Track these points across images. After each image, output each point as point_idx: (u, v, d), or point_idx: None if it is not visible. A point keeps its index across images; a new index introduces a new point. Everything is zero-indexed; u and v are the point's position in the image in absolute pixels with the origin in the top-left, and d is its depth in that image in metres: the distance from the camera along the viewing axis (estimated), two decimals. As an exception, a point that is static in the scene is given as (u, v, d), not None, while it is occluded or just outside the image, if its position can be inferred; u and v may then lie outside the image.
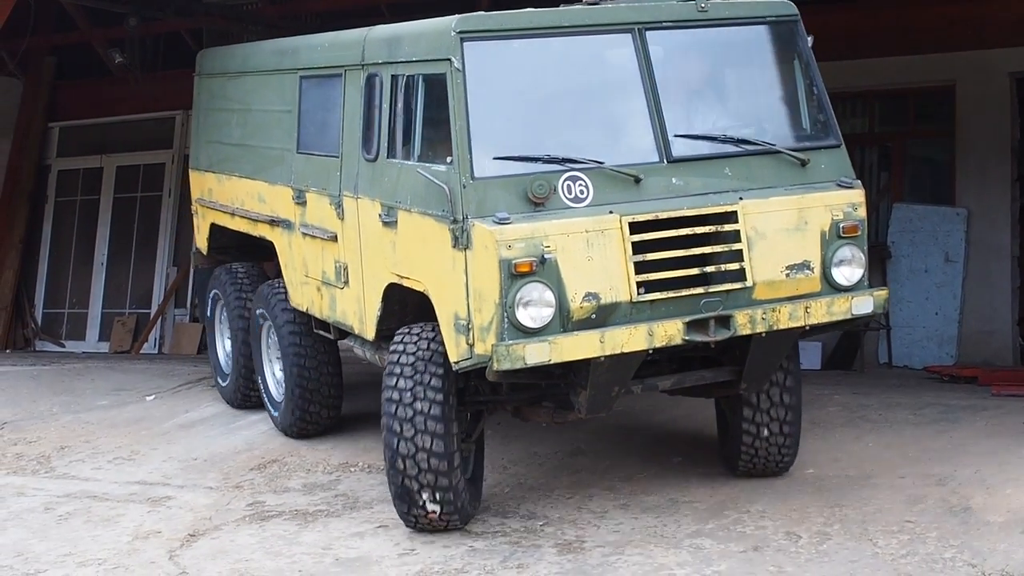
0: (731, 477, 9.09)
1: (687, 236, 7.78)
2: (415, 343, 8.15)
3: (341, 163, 9.21)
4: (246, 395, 11.75)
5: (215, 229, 12.20)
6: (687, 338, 7.73)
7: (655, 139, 7.99)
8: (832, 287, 8.13)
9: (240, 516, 9.07)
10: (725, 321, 7.82)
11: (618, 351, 7.58)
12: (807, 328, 8.15)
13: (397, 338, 8.29)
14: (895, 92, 15.46)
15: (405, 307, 8.68)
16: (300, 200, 9.93)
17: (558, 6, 8.23)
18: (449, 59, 7.75)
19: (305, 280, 10.08)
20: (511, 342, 7.42)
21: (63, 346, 19.69)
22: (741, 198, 7.94)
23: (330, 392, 10.60)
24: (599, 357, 7.56)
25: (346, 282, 9.30)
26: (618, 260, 7.62)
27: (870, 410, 10.99)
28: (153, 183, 19.61)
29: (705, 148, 8.12)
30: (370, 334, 9.06)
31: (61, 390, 13.84)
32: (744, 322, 7.84)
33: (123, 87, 19.46)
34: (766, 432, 8.83)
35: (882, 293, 8.27)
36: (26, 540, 8.85)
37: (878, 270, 14.62)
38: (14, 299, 19.94)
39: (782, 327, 7.95)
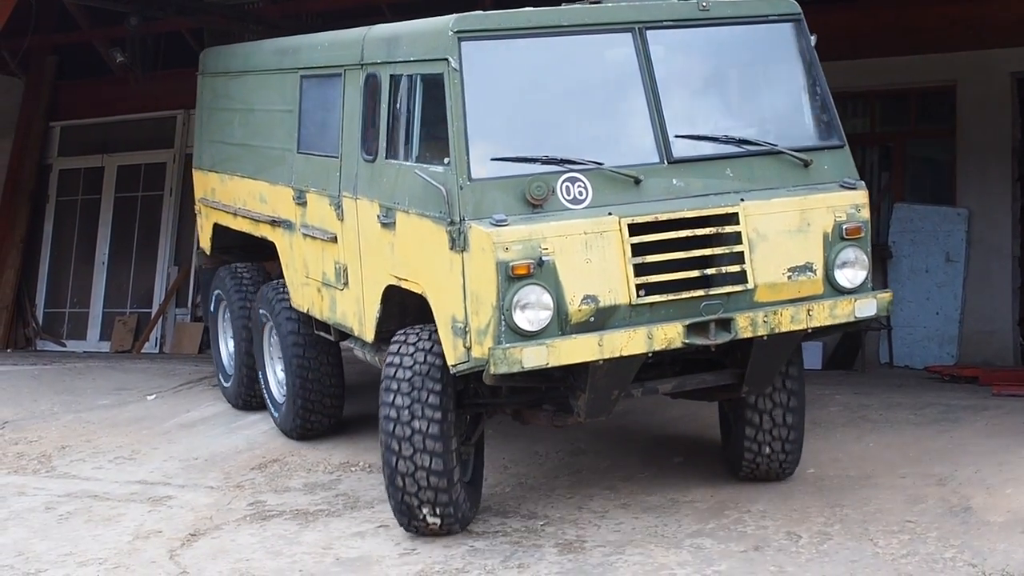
0: (732, 477, 9.09)
1: (687, 238, 7.71)
2: (411, 355, 8.05)
3: (341, 163, 9.18)
4: (249, 396, 11.73)
5: (218, 229, 12.18)
6: (687, 341, 7.64)
7: (655, 140, 7.90)
8: (835, 289, 8.04)
9: (241, 516, 9.07)
10: (726, 324, 7.73)
11: (617, 355, 7.50)
12: (809, 331, 8.07)
13: (393, 347, 8.18)
14: (896, 92, 15.47)
15: (405, 309, 8.62)
16: (300, 200, 9.91)
17: (560, 5, 8.16)
18: (446, 59, 7.68)
19: (306, 281, 10.05)
20: (508, 345, 7.35)
21: (64, 345, 19.70)
22: (742, 199, 7.86)
23: (331, 394, 10.57)
24: (597, 361, 7.50)
25: (346, 283, 9.26)
26: (617, 262, 7.55)
27: (871, 410, 10.98)
28: (154, 183, 19.62)
29: (706, 149, 8.03)
30: (369, 336, 9.01)
31: (62, 389, 13.85)
32: (745, 325, 7.75)
33: (124, 86, 19.46)
34: (768, 436, 8.75)
35: (886, 296, 8.17)
36: (27, 539, 8.85)
37: (879, 270, 14.62)
38: (15, 298, 19.95)
39: (784, 330, 7.86)
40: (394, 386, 8.01)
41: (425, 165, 7.95)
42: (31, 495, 9.87)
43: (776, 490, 8.87)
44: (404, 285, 8.35)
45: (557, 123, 7.99)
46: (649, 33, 8.05)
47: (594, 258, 7.50)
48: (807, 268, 7.97)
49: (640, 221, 7.61)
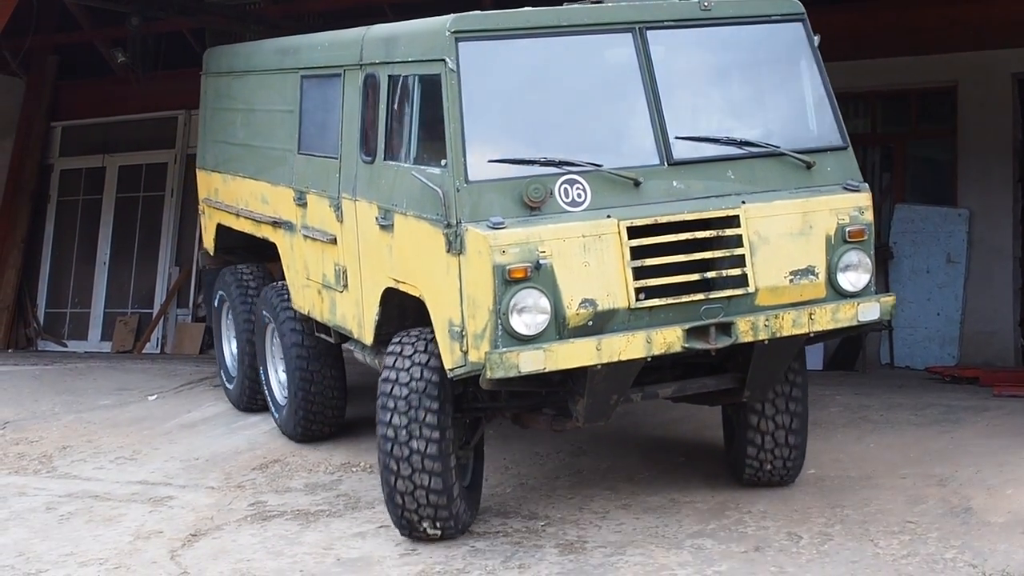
0: (732, 477, 9.08)
1: (687, 241, 7.63)
2: (407, 370, 7.93)
3: (340, 164, 9.13)
4: (252, 397, 11.68)
5: (221, 229, 12.15)
6: (687, 345, 7.56)
7: (655, 141, 7.82)
8: (838, 293, 7.94)
9: (242, 516, 9.07)
10: (726, 328, 7.64)
11: (615, 359, 7.42)
12: (811, 335, 7.99)
13: (388, 359, 8.06)
14: (897, 93, 15.48)
15: (404, 311, 8.55)
16: (301, 202, 9.87)
17: (562, 5, 8.09)
18: (443, 60, 7.61)
19: (306, 283, 10.01)
20: (505, 350, 7.27)
21: (65, 346, 19.71)
22: (744, 202, 7.78)
23: (333, 396, 10.51)
24: (596, 365, 7.42)
25: (345, 286, 9.20)
26: (616, 266, 7.47)
27: (872, 411, 10.99)
28: (155, 183, 19.63)
29: (707, 150, 7.94)
30: (368, 339, 8.95)
31: (63, 390, 13.85)
32: (746, 329, 7.66)
33: (125, 87, 19.48)
34: (771, 441, 8.65)
35: (889, 299, 8.05)
36: (28, 540, 8.86)
37: (880, 271, 14.63)
38: (16, 299, 19.96)
39: (785, 334, 7.76)
40: (391, 404, 7.92)
41: (422, 167, 7.87)
42: (32, 495, 9.87)
43: (777, 491, 8.87)
44: (402, 288, 8.29)
45: (556, 124, 7.89)
46: (649, 33, 7.96)
47: (592, 261, 7.43)
48: (809, 271, 7.87)
49: (639, 224, 7.54)
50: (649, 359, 7.55)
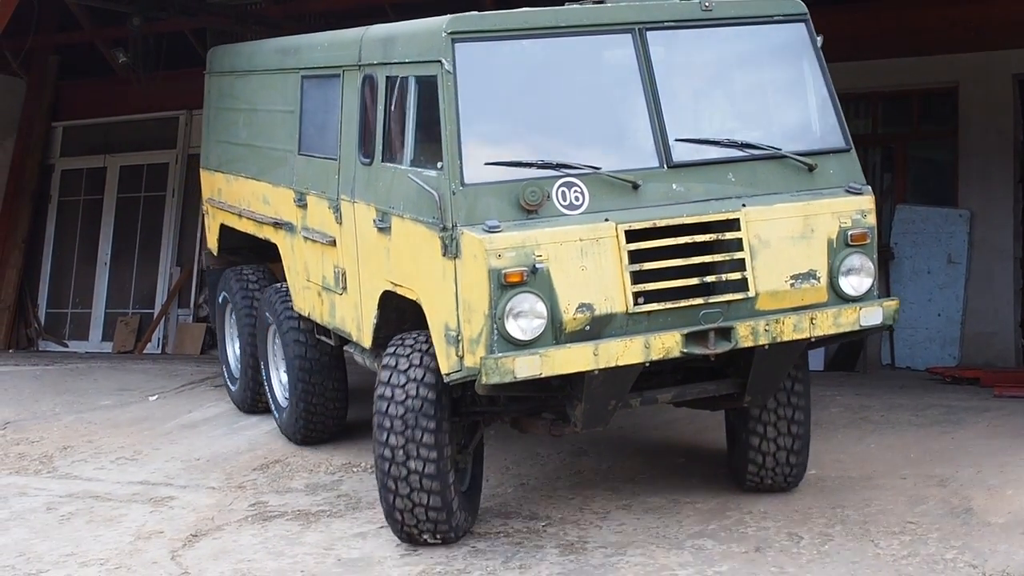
0: (733, 480, 9.08)
1: (687, 244, 7.55)
2: (403, 386, 7.82)
3: (339, 166, 9.07)
4: (255, 399, 11.62)
5: (224, 230, 12.11)
6: (686, 350, 7.46)
7: (655, 144, 7.73)
8: (839, 297, 7.85)
9: (242, 516, 9.07)
10: (726, 333, 7.54)
11: (613, 364, 7.32)
12: (812, 340, 7.90)
13: (383, 373, 7.95)
14: (898, 93, 15.49)
15: (403, 315, 8.45)
16: (301, 203, 9.82)
17: (563, 4, 8.01)
18: (440, 61, 7.53)
19: (307, 284, 9.97)
20: (500, 355, 7.17)
21: (66, 346, 19.71)
22: (744, 205, 7.68)
23: (334, 399, 10.45)
24: (593, 370, 7.32)
25: (344, 288, 9.13)
26: (614, 270, 7.39)
27: (872, 411, 10.99)
28: (157, 183, 19.64)
29: (708, 153, 7.84)
30: (367, 342, 8.88)
31: (64, 390, 13.86)
32: (746, 334, 7.55)
33: (126, 87, 19.47)
34: (772, 449, 8.55)
35: (892, 304, 7.95)
36: (28, 540, 8.86)
37: (881, 271, 14.60)
38: (17, 299, 19.97)
39: (786, 339, 7.67)
40: (386, 423, 7.84)
41: (419, 169, 7.81)
42: (32, 495, 9.87)
43: (777, 492, 8.85)
44: (399, 291, 8.22)
45: (554, 127, 7.81)
46: (649, 34, 7.87)
47: (590, 265, 7.34)
48: (810, 275, 7.77)
49: (638, 227, 7.45)
50: (647, 364, 7.48)
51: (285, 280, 10.59)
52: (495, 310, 7.20)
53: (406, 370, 7.88)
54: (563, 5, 8.03)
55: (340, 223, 9.07)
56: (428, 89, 7.76)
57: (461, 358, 7.43)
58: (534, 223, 7.35)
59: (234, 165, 11.67)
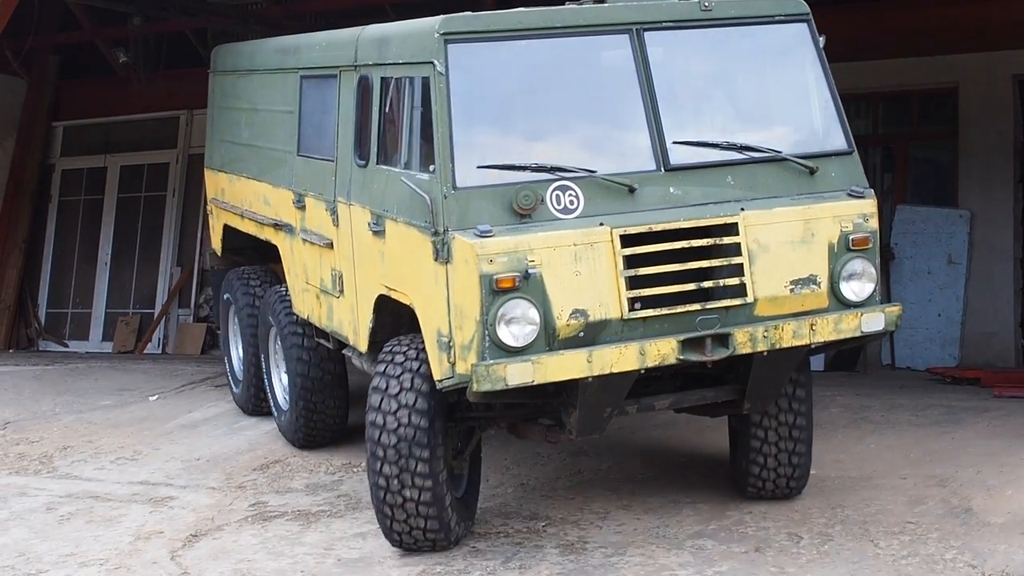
0: (734, 483, 9.07)
1: (684, 249, 7.41)
2: (394, 413, 7.68)
3: (336, 167, 8.98)
4: (258, 401, 11.57)
5: (228, 230, 12.05)
6: (682, 357, 7.33)
7: (652, 146, 7.59)
8: (840, 303, 7.71)
9: (242, 516, 9.07)
10: (723, 339, 7.41)
11: (607, 371, 7.20)
12: (812, 346, 7.78)
13: (374, 397, 7.79)
14: (898, 94, 15.48)
15: (400, 318, 8.28)
16: (300, 204, 9.75)
17: (563, 4, 7.90)
18: (432, 62, 7.41)
19: (306, 287, 9.90)
20: (492, 362, 7.05)
21: (66, 346, 19.71)
22: (743, 209, 7.55)
23: (335, 404, 10.37)
24: (587, 378, 7.21)
25: (341, 291, 9.04)
26: (608, 275, 7.25)
27: (872, 411, 10.99)
28: (157, 183, 19.63)
29: (706, 156, 7.70)
30: (363, 346, 8.78)
31: (64, 390, 13.86)
32: (744, 340, 7.43)
33: (127, 87, 19.48)
34: (774, 452, 8.44)
35: (894, 310, 7.84)
36: (28, 540, 8.86)
37: (881, 272, 14.59)
38: (17, 299, 19.97)
39: (785, 345, 7.54)
40: (379, 452, 7.73)
41: (412, 172, 7.71)
42: (32, 495, 9.88)
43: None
44: (394, 296, 8.11)
45: (548, 129, 7.70)
46: (647, 35, 7.73)
47: (584, 270, 7.21)
48: (811, 280, 7.64)
49: (633, 232, 7.32)
50: (643, 371, 7.37)
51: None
52: (487, 316, 7.09)
53: (397, 394, 7.74)
54: (563, 4, 7.92)
55: (337, 225, 9.00)
56: (421, 91, 7.66)
57: (453, 365, 7.32)
58: (527, 227, 7.23)
59: (237, 165, 11.64)
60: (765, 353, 7.57)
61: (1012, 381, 12.34)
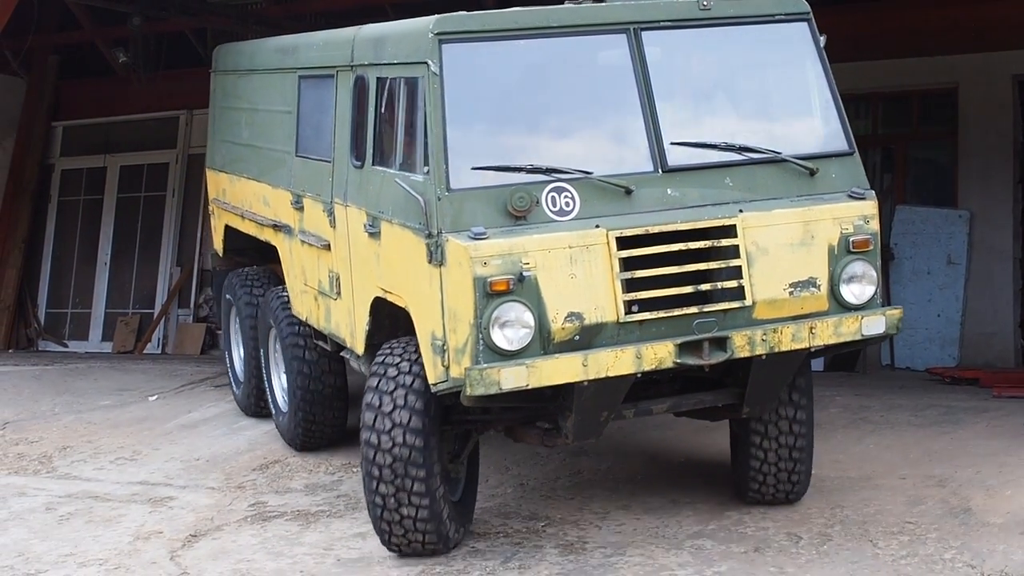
0: (732, 478, 9.08)
1: (681, 252, 7.33)
2: (388, 432, 7.59)
3: (333, 168, 8.93)
4: (259, 403, 11.51)
5: (229, 231, 12.02)
6: (679, 361, 7.25)
7: (650, 147, 7.52)
8: (841, 306, 7.62)
9: (242, 516, 9.07)
10: (721, 343, 7.33)
11: (603, 375, 7.12)
12: (812, 350, 7.67)
13: (368, 415, 7.69)
14: (898, 94, 15.49)
15: (397, 321, 8.20)
16: (298, 205, 9.71)
17: (560, 3, 7.82)
18: (426, 63, 7.35)
19: (304, 289, 9.85)
20: (486, 365, 6.97)
21: (66, 346, 19.71)
22: (741, 210, 7.47)
23: (334, 405, 10.33)
24: (582, 382, 7.14)
25: (338, 293, 8.99)
26: (604, 278, 7.17)
27: (872, 412, 11.00)
28: (157, 183, 19.64)
29: (704, 157, 7.62)
30: (359, 348, 8.73)
31: (63, 390, 13.86)
32: (742, 344, 7.35)
33: (127, 87, 19.49)
34: (774, 461, 8.36)
35: (895, 313, 7.74)
36: (27, 540, 8.86)
37: (881, 272, 14.62)
38: (17, 299, 19.97)
39: (784, 349, 7.45)
40: (375, 472, 7.66)
41: (406, 173, 7.64)
42: (32, 496, 9.88)
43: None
44: (389, 298, 8.05)
45: (544, 130, 7.61)
46: (645, 34, 7.65)
47: (579, 273, 7.13)
48: (810, 283, 7.55)
49: (629, 234, 7.24)
50: (639, 375, 7.29)
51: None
52: (480, 319, 7.01)
53: (390, 412, 7.65)
54: (559, 4, 7.84)
55: (334, 227, 8.95)
56: (415, 91, 7.60)
57: (447, 368, 7.24)
58: (522, 230, 7.15)
59: (237, 165, 11.62)
60: (764, 357, 7.48)
61: (1011, 381, 12.35)
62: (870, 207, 7.73)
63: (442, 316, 7.24)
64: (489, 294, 7.00)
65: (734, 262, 7.41)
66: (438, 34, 7.36)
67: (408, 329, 7.92)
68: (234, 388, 12.19)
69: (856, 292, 7.67)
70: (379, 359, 7.90)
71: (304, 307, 9.98)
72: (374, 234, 8.12)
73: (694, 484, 9.13)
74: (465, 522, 8.22)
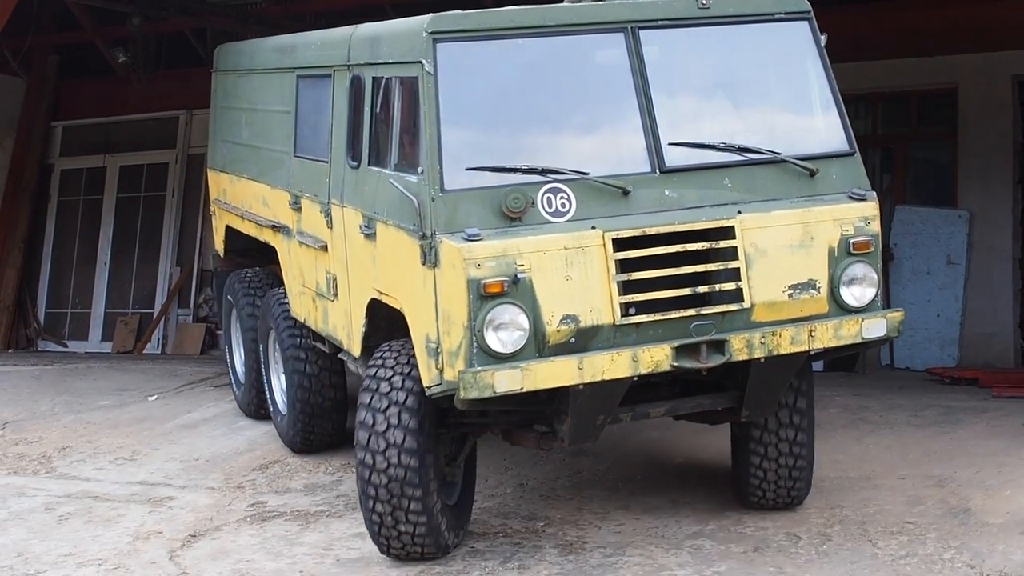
0: (733, 481, 9.07)
1: (679, 253, 7.24)
2: (383, 452, 7.53)
3: (330, 169, 8.88)
4: (260, 404, 11.46)
5: (230, 231, 11.99)
6: (676, 364, 7.15)
7: (647, 148, 7.43)
8: (841, 308, 7.52)
9: (241, 516, 9.07)
10: (719, 346, 7.24)
11: (598, 379, 7.03)
12: (811, 352, 7.56)
13: (362, 434, 7.62)
14: (898, 94, 15.49)
15: (393, 322, 8.06)
16: (296, 206, 9.66)
17: (557, 2, 7.77)
18: (420, 62, 7.27)
19: (302, 290, 9.82)
20: (479, 368, 6.89)
21: (66, 346, 19.71)
22: (740, 212, 7.37)
23: (333, 407, 10.30)
24: (578, 385, 7.05)
25: (335, 295, 8.94)
26: (600, 280, 7.09)
27: (871, 412, 10.99)
28: (156, 183, 19.65)
29: (703, 157, 7.52)
30: (356, 350, 8.67)
31: (63, 390, 13.86)
32: (740, 347, 7.25)
33: (126, 86, 19.50)
34: (774, 467, 8.27)
35: (896, 315, 7.62)
36: (27, 540, 8.86)
37: (881, 273, 14.63)
38: (16, 299, 19.97)
39: (783, 352, 7.35)
40: (371, 492, 7.61)
41: (401, 174, 7.55)
42: (31, 496, 9.87)
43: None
44: (385, 300, 7.98)
45: (540, 130, 7.51)
46: (642, 33, 7.56)
47: (575, 275, 7.05)
48: (810, 285, 7.45)
49: (626, 235, 7.15)
50: (636, 379, 7.21)
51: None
52: (474, 322, 6.93)
53: (384, 432, 7.58)
54: (556, 3, 7.78)
55: (331, 228, 8.90)
56: (410, 91, 7.54)
57: (441, 371, 7.17)
58: (517, 231, 7.07)
59: (237, 166, 11.61)
60: (763, 360, 7.41)
61: (1011, 381, 12.35)
62: (871, 208, 7.64)
63: (436, 318, 7.17)
64: (483, 296, 6.93)
65: (732, 264, 7.33)
66: (432, 33, 7.29)
67: (404, 331, 7.85)
68: (235, 389, 12.17)
69: (856, 294, 7.58)
70: (371, 371, 7.83)
71: (302, 308, 9.94)
72: (370, 235, 8.07)
73: (693, 484, 9.14)
74: (463, 525, 8.19)
